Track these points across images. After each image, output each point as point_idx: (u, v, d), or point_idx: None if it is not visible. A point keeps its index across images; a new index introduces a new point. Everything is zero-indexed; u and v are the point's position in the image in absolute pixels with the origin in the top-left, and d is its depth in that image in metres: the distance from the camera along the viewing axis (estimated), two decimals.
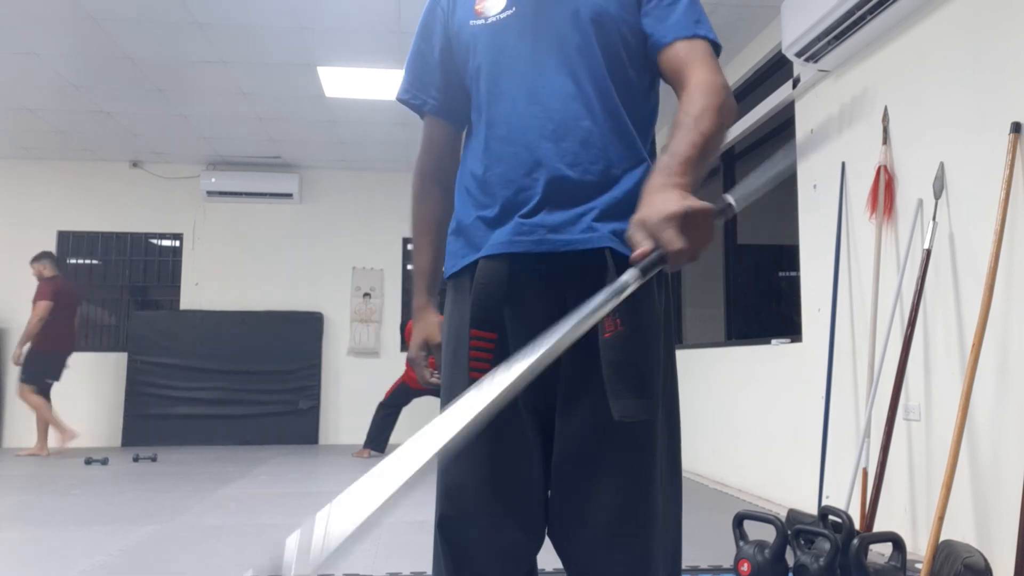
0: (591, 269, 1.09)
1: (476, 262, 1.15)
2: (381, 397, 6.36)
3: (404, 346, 6.36)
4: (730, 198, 0.97)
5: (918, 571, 2.54)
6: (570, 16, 1.16)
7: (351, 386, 7.29)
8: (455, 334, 1.19)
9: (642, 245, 0.91)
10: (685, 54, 1.13)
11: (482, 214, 1.17)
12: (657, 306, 1.11)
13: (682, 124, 1.04)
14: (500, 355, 1.11)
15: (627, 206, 1.06)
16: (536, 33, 1.16)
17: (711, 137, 1.03)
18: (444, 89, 1.28)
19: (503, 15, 1.19)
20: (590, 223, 1.10)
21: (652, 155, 1.20)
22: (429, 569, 2.99)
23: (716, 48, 1.16)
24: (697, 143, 1.01)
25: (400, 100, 1.34)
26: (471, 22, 1.22)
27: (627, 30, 1.17)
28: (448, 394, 1.17)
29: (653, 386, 1.07)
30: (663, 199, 0.93)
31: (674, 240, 0.88)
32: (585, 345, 1.07)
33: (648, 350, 1.08)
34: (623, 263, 0.99)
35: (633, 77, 1.18)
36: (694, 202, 0.91)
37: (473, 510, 1.13)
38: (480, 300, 1.12)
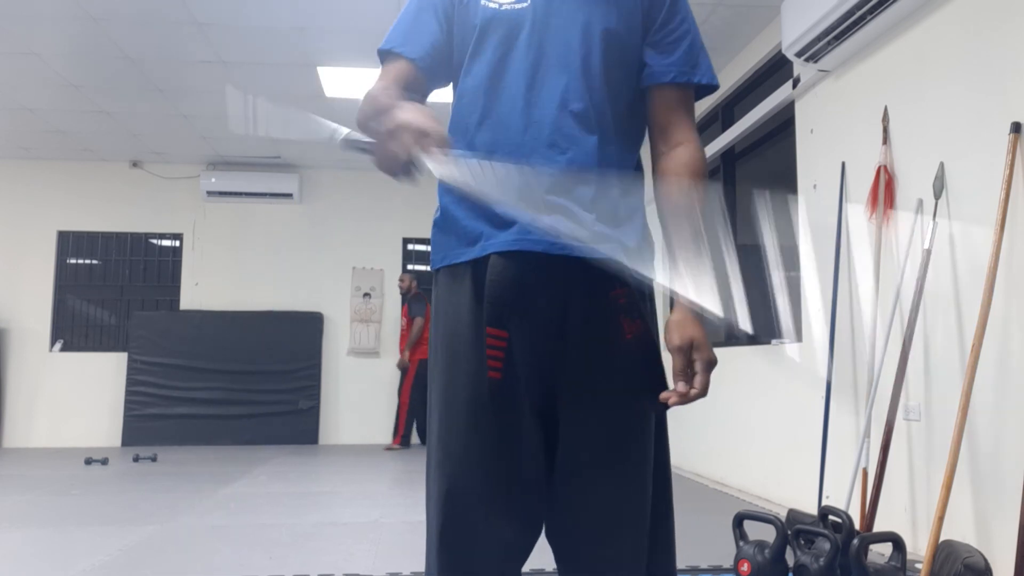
0: (594, 275, 1.09)
1: (480, 258, 1.12)
2: (381, 397, 6.37)
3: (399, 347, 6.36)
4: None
5: (918, 571, 2.54)
6: (581, 28, 1.15)
7: (351, 386, 7.29)
8: (452, 330, 1.15)
9: (678, 387, 1.05)
10: (676, 104, 1.18)
11: (482, 210, 1.13)
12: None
13: (685, 219, 1.10)
14: (508, 355, 1.10)
15: (622, 217, 1.14)
16: (545, 33, 1.15)
17: (702, 231, 1.10)
18: (432, 53, 1.22)
19: (518, 5, 1.16)
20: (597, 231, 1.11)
21: (639, 168, 1.22)
22: None
23: (709, 90, 1.21)
24: (698, 247, 1.09)
25: (382, 51, 1.24)
26: (484, 2, 1.18)
27: (631, 55, 1.18)
28: (448, 392, 1.13)
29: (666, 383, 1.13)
30: (702, 341, 1.07)
31: (705, 387, 1.05)
32: (594, 350, 1.09)
33: (659, 350, 1.14)
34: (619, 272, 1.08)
35: (628, 97, 1.19)
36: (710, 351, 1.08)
37: (475, 508, 1.11)
38: (494, 298, 1.09)
